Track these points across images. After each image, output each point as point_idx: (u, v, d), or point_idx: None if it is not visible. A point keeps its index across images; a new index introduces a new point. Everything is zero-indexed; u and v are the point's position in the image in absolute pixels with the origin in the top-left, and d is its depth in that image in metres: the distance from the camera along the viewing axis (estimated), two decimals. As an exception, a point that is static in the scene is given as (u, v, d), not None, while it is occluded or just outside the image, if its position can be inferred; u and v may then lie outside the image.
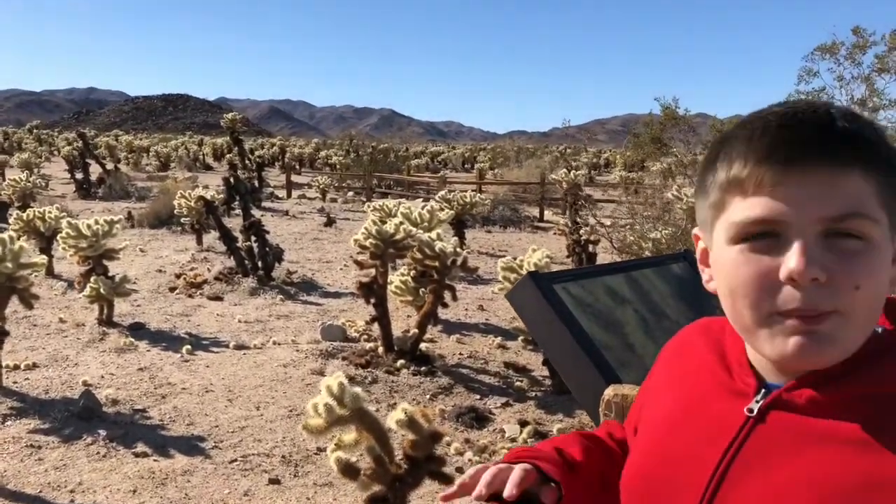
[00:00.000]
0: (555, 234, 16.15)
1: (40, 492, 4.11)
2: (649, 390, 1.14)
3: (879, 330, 0.90)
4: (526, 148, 45.94)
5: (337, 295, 9.45)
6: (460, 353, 6.97)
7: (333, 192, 24.39)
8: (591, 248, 10.39)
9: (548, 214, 19.49)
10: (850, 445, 0.82)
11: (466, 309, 8.79)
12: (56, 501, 4.01)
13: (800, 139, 0.83)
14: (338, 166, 33.30)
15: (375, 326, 6.88)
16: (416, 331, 6.62)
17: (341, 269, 11.11)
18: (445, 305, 6.83)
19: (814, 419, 0.86)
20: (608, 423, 1.32)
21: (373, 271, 6.53)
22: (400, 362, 6.39)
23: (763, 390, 0.91)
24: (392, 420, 3.16)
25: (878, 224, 0.82)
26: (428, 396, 5.82)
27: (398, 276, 7.90)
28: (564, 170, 18.78)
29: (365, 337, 7.36)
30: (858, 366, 0.85)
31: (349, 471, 3.20)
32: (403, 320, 7.82)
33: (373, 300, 6.49)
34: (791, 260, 0.81)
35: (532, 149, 45.82)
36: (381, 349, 6.64)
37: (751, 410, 0.90)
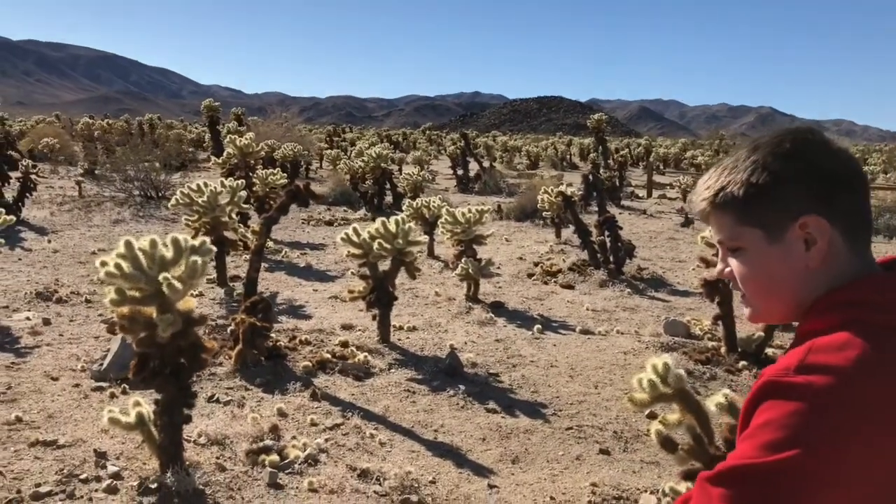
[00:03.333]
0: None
1: (412, 427, 4.98)
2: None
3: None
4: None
5: (685, 294, 9.46)
6: (811, 363, 6.60)
7: (695, 192, 23.84)
8: None
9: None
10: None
11: (827, 319, 8.22)
12: (423, 436, 4.84)
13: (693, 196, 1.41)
14: (703, 166, 32.34)
15: (720, 327, 6.84)
16: (762, 334, 6.46)
17: (693, 269, 11.02)
18: (798, 311, 6.53)
19: None
20: None
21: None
22: (742, 363, 6.31)
23: None
24: (712, 403, 3.31)
25: (743, 239, 1.29)
26: (768, 400, 5.68)
27: (749, 278, 7.69)
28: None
29: (708, 336, 7.34)
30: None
31: (668, 444, 3.42)
32: (752, 324, 7.61)
33: (717, 298, 6.48)
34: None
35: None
36: (723, 349, 6.59)
37: None
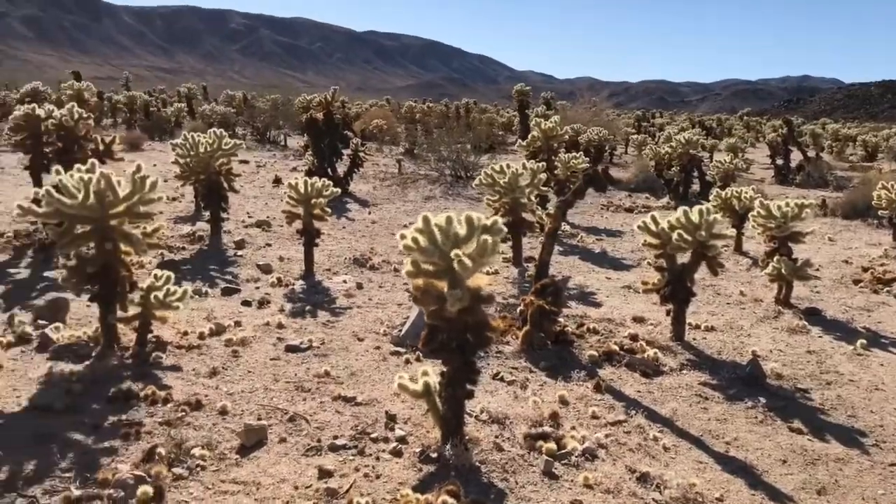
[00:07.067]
0: None
1: (701, 435, 4.58)
2: None
3: None
4: None
5: None
6: None
7: None
8: None
9: None
10: None
11: None
12: (713, 447, 4.42)
13: None
14: None
15: None
16: None
17: None
18: None
19: None
20: None
21: None
22: None
23: None
24: None
25: None
26: None
27: None
28: None
29: None
30: None
31: None
32: None
33: None
34: None
35: None
36: None
37: None
